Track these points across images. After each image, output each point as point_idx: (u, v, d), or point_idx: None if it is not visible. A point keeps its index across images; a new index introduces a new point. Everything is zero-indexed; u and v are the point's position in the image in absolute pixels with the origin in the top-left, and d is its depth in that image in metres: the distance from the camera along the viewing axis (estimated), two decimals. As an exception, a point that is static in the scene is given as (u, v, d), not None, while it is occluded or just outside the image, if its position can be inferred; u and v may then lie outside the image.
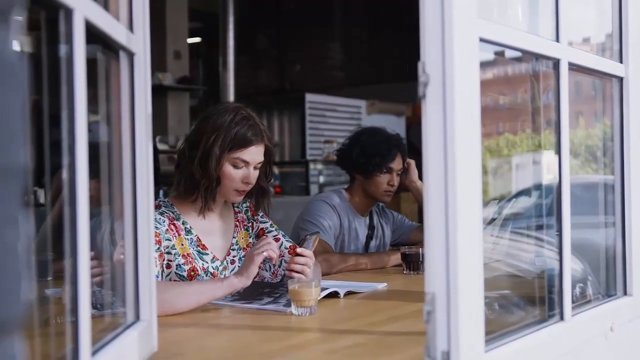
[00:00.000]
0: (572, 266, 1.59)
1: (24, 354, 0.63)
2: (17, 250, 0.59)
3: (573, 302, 1.56)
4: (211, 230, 2.33)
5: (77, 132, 1.01)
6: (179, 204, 2.30)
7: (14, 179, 0.59)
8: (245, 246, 2.40)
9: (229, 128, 2.19)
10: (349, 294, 2.22)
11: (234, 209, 2.43)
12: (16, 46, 0.62)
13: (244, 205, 2.45)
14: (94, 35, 1.11)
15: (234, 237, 2.39)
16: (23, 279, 0.59)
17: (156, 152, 5.70)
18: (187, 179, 2.24)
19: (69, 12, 1.00)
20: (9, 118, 0.57)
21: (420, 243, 2.94)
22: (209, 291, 1.99)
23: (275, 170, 7.82)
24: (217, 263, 2.29)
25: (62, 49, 1.01)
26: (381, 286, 2.39)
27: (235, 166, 2.22)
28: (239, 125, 2.20)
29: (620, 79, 1.83)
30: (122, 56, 1.35)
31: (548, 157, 1.82)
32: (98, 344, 1.15)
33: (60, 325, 1.31)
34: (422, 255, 2.69)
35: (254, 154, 2.24)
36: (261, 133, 2.25)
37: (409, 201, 6.31)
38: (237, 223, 2.41)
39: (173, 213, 2.25)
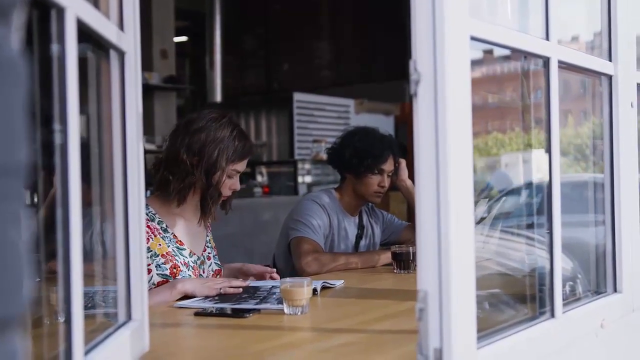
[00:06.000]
0: (561, 264, 1.59)
1: (25, 351, 0.62)
2: (20, 248, 0.58)
3: (563, 299, 1.57)
4: (187, 229, 2.38)
5: (69, 132, 1.00)
6: (157, 204, 2.31)
7: (16, 177, 0.59)
8: (213, 246, 2.50)
9: (231, 142, 2.28)
10: (324, 288, 2.26)
11: None
12: (17, 45, 0.62)
13: None
14: (84, 34, 1.10)
15: (207, 236, 2.47)
16: (25, 277, 0.59)
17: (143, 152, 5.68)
18: (188, 188, 2.28)
19: (60, 11, 0.99)
20: (11, 116, 0.57)
21: (410, 242, 2.94)
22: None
23: (263, 170, 7.82)
24: (195, 258, 2.35)
25: (54, 48, 1.00)
26: (338, 283, 2.39)
27: (230, 176, 2.31)
28: (238, 139, 2.30)
29: (610, 77, 1.84)
30: (113, 55, 1.34)
31: (537, 156, 1.83)
32: (90, 344, 1.14)
33: (48, 326, 1.30)
34: (413, 254, 2.69)
35: (245, 163, 2.37)
36: (252, 143, 2.38)
37: (397, 200, 6.32)
38: (208, 224, 2.50)
39: (147, 214, 2.26)
